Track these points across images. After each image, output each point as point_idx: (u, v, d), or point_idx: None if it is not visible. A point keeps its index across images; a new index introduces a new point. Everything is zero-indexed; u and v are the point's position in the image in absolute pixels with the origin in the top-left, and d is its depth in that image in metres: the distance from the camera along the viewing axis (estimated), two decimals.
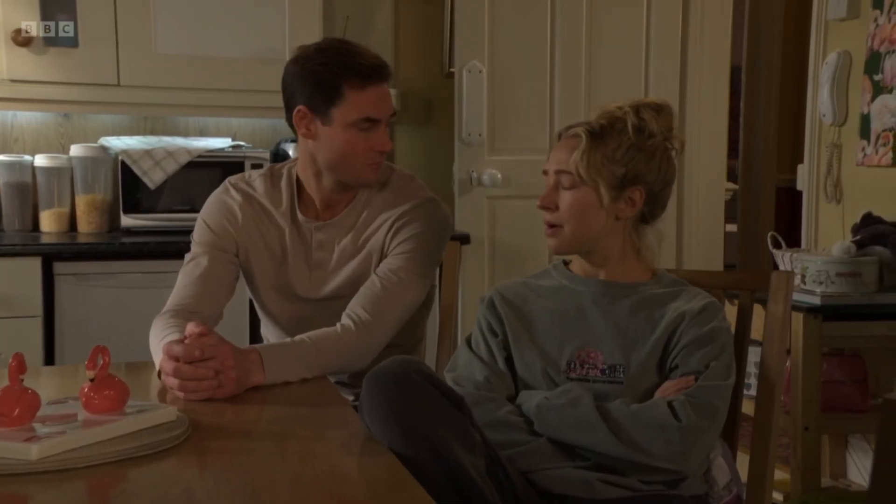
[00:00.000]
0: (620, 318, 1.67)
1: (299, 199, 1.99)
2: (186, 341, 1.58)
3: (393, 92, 3.56)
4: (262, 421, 1.50)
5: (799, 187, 3.07)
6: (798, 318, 2.52)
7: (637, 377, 1.62)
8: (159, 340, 1.71)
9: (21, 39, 3.04)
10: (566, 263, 1.78)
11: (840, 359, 2.63)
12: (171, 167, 3.15)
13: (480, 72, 3.51)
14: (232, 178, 2.04)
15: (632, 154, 1.64)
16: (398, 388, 1.36)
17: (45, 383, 1.65)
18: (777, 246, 2.79)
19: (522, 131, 3.57)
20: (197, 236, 1.98)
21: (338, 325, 1.82)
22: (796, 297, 2.57)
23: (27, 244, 2.89)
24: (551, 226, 1.70)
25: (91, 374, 1.26)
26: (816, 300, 2.52)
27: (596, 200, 1.64)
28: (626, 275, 1.72)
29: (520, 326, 1.70)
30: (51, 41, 3.11)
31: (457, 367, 1.71)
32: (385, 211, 1.96)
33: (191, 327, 1.61)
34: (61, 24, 3.14)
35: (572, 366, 1.65)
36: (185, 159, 3.17)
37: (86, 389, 1.27)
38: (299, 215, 1.97)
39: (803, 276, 2.60)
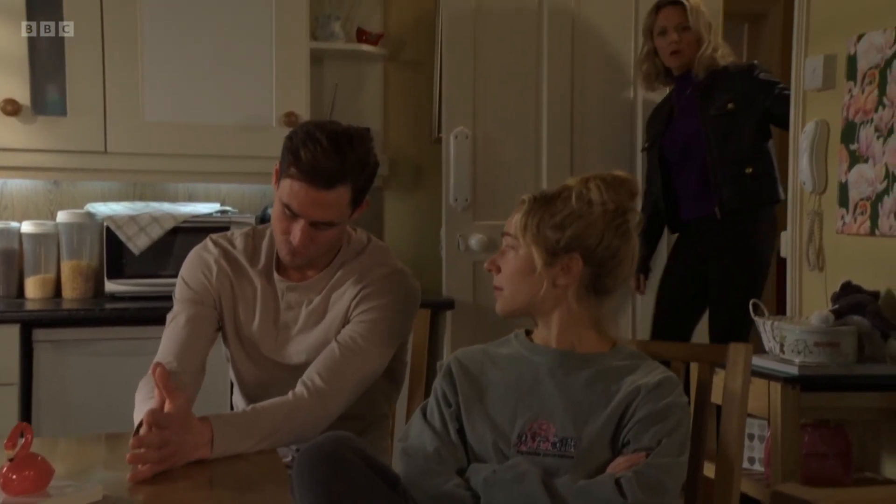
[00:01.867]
0: (575, 391, 1.65)
1: (279, 258, 2.00)
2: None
3: (381, 157, 3.62)
4: (197, 501, 1.48)
5: (783, 254, 3.05)
6: (776, 389, 2.48)
7: (588, 452, 1.59)
8: (137, 407, 1.76)
9: (10, 109, 3.08)
10: (528, 332, 1.77)
11: (823, 431, 2.58)
12: (156, 233, 3.17)
13: (467, 137, 3.53)
14: (213, 235, 2.06)
15: (570, 221, 1.65)
16: (330, 467, 1.34)
17: None
18: (759, 314, 2.75)
19: (509, 196, 3.55)
20: (177, 293, 2.01)
21: (291, 392, 1.81)
22: (775, 366, 2.54)
23: (3, 311, 2.89)
24: (496, 288, 1.71)
25: (10, 453, 1.24)
26: (794, 370, 2.48)
27: (532, 264, 1.66)
28: (583, 345, 1.70)
29: (473, 396, 1.68)
30: (39, 110, 3.16)
31: (409, 436, 1.68)
32: (354, 276, 1.97)
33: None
34: (50, 92, 3.19)
35: (523, 438, 1.63)
36: (170, 225, 3.20)
37: (4, 469, 1.25)
38: (275, 274, 1.99)
39: (782, 346, 2.57)
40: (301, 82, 3.35)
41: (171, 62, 3.22)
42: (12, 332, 2.84)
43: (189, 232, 3.22)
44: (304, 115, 3.33)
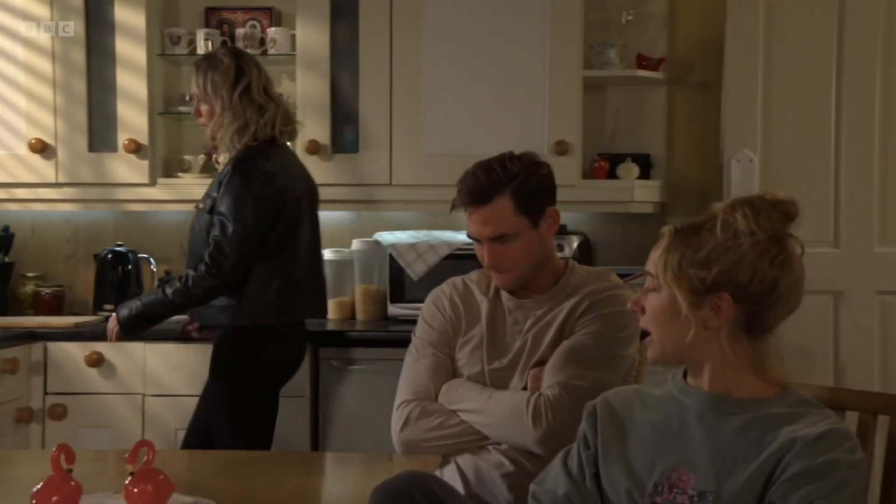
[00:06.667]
0: (724, 438, 1.49)
1: None
2: None
3: (657, 184, 3.52)
4: None
5: None
6: None
7: None
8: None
9: (312, 148, 3.45)
10: (686, 371, 1.64)
11: None
12: (432, 259, 3.38)
13: (751, 161, 3.33)
14: (452, 278, 2.27)
15: (716, 255, 1.48)
16: None
17: (104, 471, 1.83)
18: None
19: (798, 224, 3.29)
20: (417, 331, 2.22)
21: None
22: None
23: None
24: (643, 331, 1.59)
25: (131, 467, 1.39)
26: None
27: (676, 306, 1.50)
28: (741, 389, 1.53)
29: (614, 439, 1.59)
30: (337, 148, 3.50)
31: (546, 478, 1.64)
32: (579, 291, 2.09)
33: None
34: (346, 132, 3.52)
35: (659, 488, 1.51)
36: (444, 252, 3.39)
37: (127, 483, 1.40)
38: (503, 294, 2.15)
39: None
40: (573, 111, 3.38)
41: (449, 97, 3.42)
42: None
43: (463, 259, 3.36)
44: (576, 143, 3.36)
